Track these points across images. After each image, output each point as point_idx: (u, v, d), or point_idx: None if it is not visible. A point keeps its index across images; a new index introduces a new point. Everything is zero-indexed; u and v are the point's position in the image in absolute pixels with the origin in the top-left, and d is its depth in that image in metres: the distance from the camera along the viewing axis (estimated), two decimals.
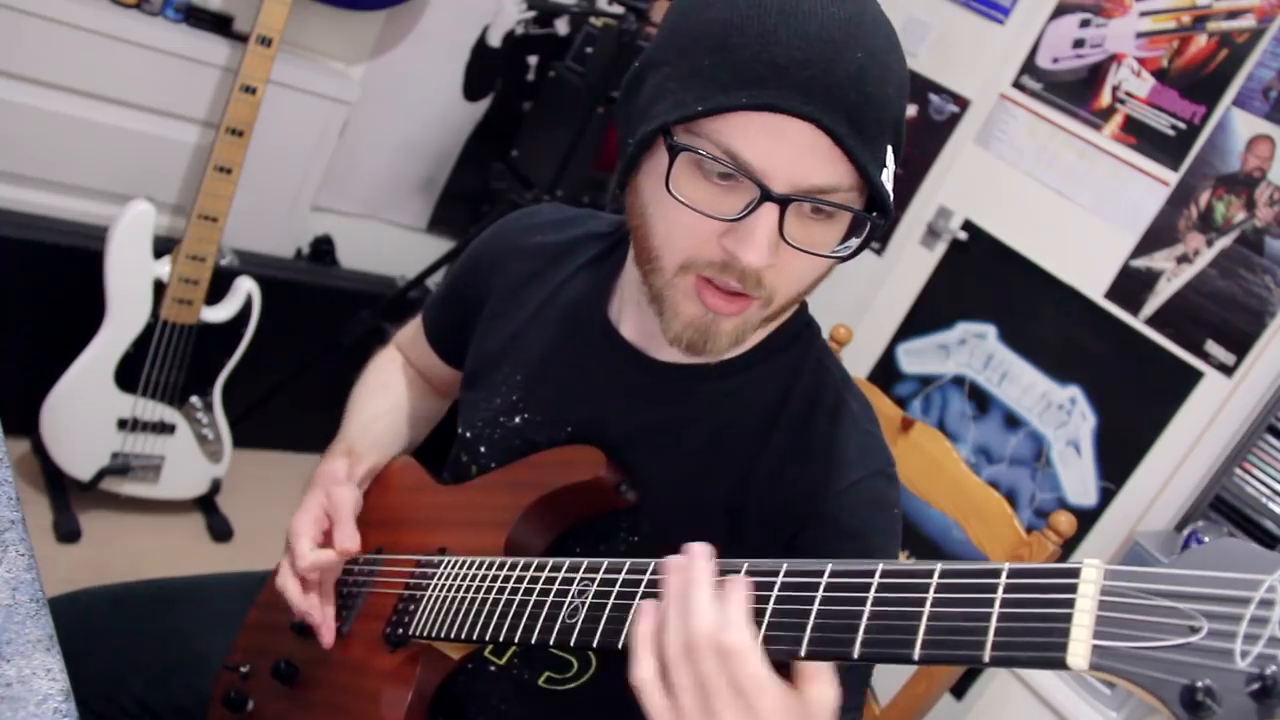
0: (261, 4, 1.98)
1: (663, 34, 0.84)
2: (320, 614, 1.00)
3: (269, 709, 1.04)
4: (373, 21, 2.50)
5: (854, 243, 0.82)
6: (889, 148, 0.79)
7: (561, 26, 2.76)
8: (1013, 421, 2.44)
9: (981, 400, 2.50)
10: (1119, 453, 2.25)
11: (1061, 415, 2.35)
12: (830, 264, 0.84)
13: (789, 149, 0.75)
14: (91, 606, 1.13)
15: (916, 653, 0.58)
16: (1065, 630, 0.52)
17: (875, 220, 0.81)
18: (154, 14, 2.19)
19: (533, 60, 2.78)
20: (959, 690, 2.33)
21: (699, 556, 0.68)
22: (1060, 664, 0.51)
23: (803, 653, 0.63)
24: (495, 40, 2.70)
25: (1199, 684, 0.47)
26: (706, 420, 0.93)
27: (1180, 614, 0.49)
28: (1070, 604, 0.52)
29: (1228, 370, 2.10)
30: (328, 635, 1.00)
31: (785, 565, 0.67)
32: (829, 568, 0.65)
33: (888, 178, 0.79)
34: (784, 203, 0.77)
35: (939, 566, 0.60)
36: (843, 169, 0.77)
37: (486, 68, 2.72)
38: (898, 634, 0.59)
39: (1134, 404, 2.25)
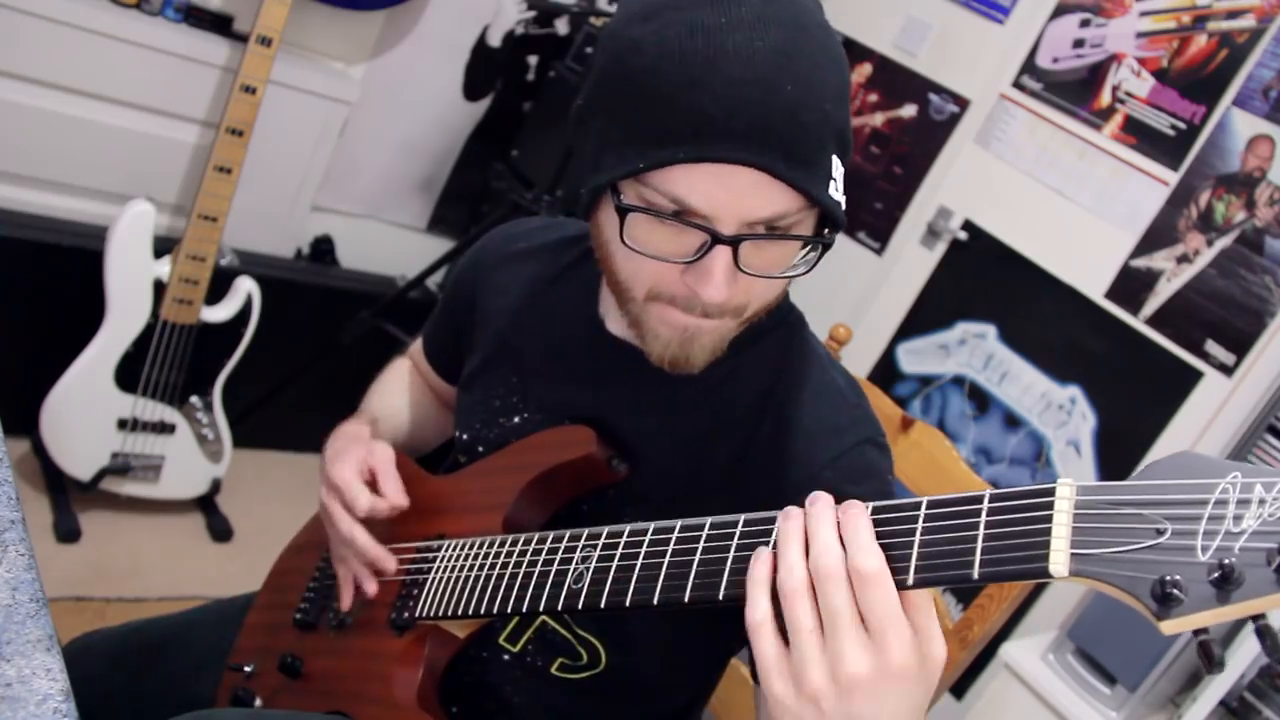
0: (261, 4, 1.98)
1: (596, 76, 0.85)
2: (390, 559, 1.00)
3: (277, 703, 1.05)
4: (373, 21, 2.50)
5: (813, 256, 0.85)
6: (834, 158, 0.81)
7: (561, 26, 2.76)
8: (1013, 421, 2.44)
9: (981, 400, 2.50)
10: (1119, 453, 2.25)
11: (1061, 415, 2.35)
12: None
13: (732, 191, 0.78)
14: (88, 667, 1.11)
15: (911, 576, 0.62)
16: (1045, 543, 0.57)
17: (827, 239, 0.83)
18: (154, 14, 2.19)
19: (533, 60, 2.78)
20: (959, 690, 2.33)
21: (821, 500, 0.67)
22: (1043, 573, 0.57)
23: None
24: (495, 40, 2.70)
25: (1167, 578, 0.52)
26: (701, 406, 0.95)
27: (1147, 519, 0.55)
28: (1049, 519, 0.57)
29: (1228, 370, 2.10)
30: (378, 578, 1.01)
31: (777, 514, 0.69)
32: None
33: (835, 188, 0.81)
34: (734, 243, 0.79)
35: (925, 499, 0.64)
36: (788, 195, 0.79)
37: (486, 68, 2.72)
38: (893, 563, 0.63)
39: (1134, 404, 2.25)
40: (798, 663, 0.63)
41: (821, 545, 0.64)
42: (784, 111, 0.76)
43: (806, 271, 0.85)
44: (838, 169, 0.81)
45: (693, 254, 0.81)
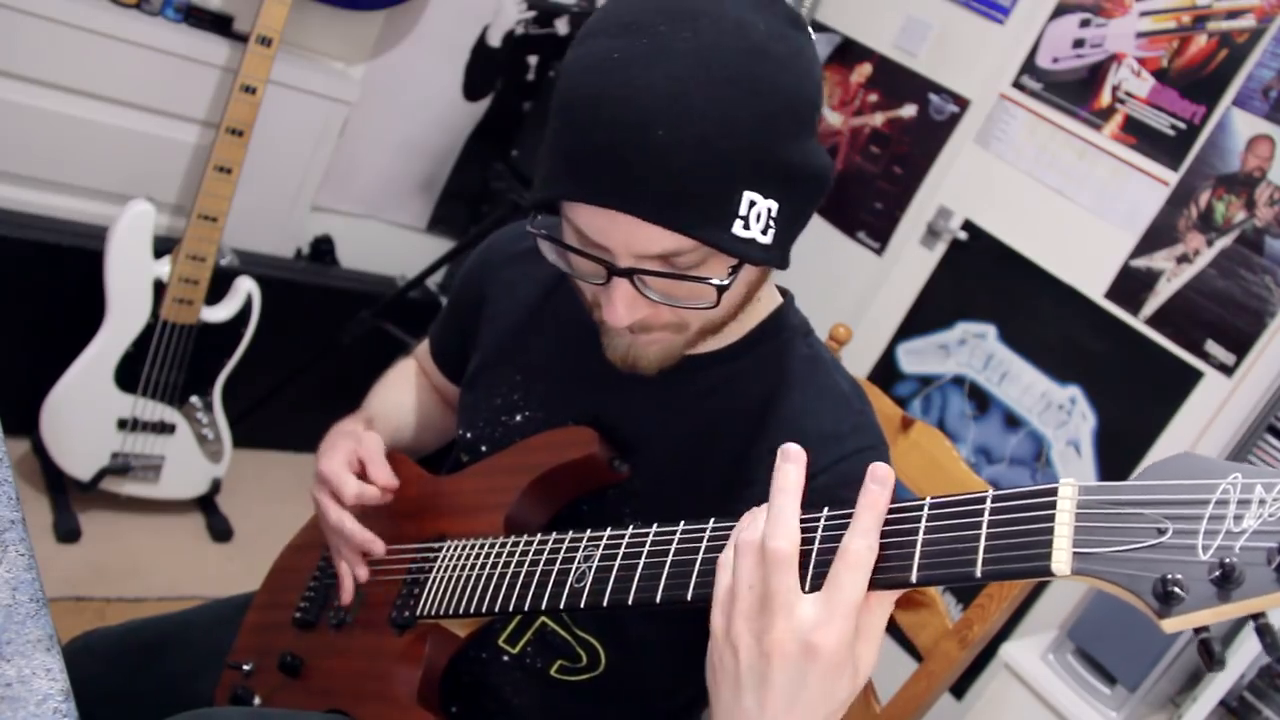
0: (261, 4, 1.98)
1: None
2: (378, 542, 1.02)
3: (276, 701, 1.05)
4: (373, 21, 2.50)
5: (724, 280, 0.81)
6: (748, 194, 0.78)
7: (561, 26, 2.76)
8: (1013, 421, 2.44)
9: (981, 400, 2.50)
10: (1119, 453, 2.25)
11: (1061, 415, 2.35)
12: (758, 273, 0.87)
13: (618, 228, 0.79)
14: (88, 667, 1.11)
15: (914, 574, 0.62)
16: (1048, 541, 0.57)
17: (724, 283, 0.81)
18: (154, 14, 2.19)
19: (533, 60, 2.78)
20: (959, 690, 2.33)
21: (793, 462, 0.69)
22: (1045, 571, 0.57)
23: (807, 586, 0.65)
24: (495, 40, 2.70)
25: (1169, 576, 0.52)
26: (702, 408, 0.95)
27: (1149, 519, 0.55)
28: (1051, 518, 0.58)
29: (1228, 370, 2.10)
30: (384, 574, 1.02)
31: None
32: (825, 509, 0.68)
33: (746, 226, 0.78)
34: (628, 274, 0.80)
35: (928, 499, 0.64)
36: (676, 236, 0.78)
37: (486, 68, 2.72)
38: (896, 560, 0.63)
39: (1134, 404, 2.24)
40: (736, 607, 0.65)
41: (765, 518, 0.66)
42: (658, 154, 0.75)
43: (713, 306, 0.83)
44: (758, 204, 0.78)
45: (601, 279, 0.83)
